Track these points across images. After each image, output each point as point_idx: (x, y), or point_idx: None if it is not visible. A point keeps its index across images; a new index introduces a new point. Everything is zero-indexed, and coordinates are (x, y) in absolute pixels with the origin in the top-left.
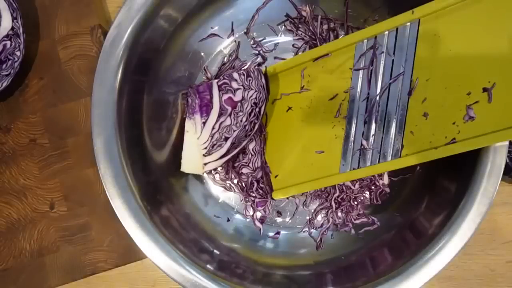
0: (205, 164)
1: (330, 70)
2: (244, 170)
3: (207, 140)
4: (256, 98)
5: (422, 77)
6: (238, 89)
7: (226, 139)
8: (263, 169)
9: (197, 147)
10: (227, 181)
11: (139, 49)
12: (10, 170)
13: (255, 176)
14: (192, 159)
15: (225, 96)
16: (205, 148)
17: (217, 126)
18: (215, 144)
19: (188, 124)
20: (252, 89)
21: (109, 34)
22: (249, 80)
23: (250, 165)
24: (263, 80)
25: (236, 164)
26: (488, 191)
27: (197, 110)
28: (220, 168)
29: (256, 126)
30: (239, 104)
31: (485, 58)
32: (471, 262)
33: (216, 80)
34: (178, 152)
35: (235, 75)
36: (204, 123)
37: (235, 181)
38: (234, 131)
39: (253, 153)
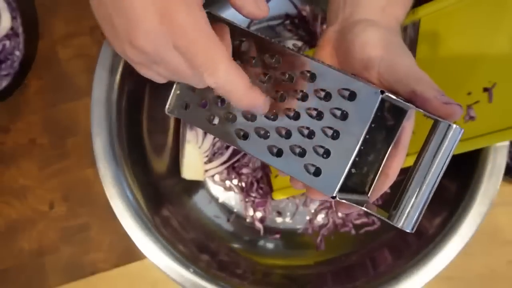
0: (206, 170)
1: None
2: (244, 170)
3: (209, 149)
4: None
5: None
6: None
7: (227, 147)
8: (263, 169)
9: (198, 155)
10: (227, 182)
11: None
12: (10, 170)
13: (255, 176)
14: (193, 166)
15: None
16: (207, 156)
17: None
18: (216, 152)
19: (189, 134)
20: None
21: None
22: None
23: (250, 165)
24: None
25: (236, 164)
26: (489, 191)
27: None
28: None
29: None
30: None
31: (486, 57)
32: (471, 262)
33: None
34: (177, 153)
35: None
36: (205, 133)
37: (235, 181)
38: None
39: None
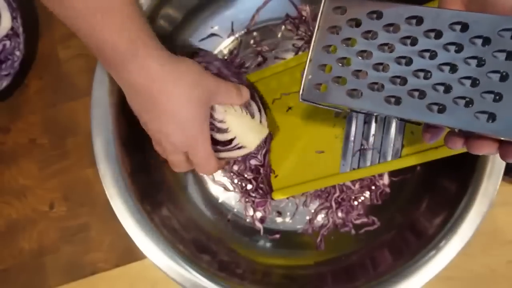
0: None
1: None
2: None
3: None
4: None
5: None
6: None
7: None
8: (263, 169)
9: (248, 121)
10: (227, 182)
11: None
12: (10, 170)
13: (255, 176)
14: (253, 130)
15: None
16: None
17: None
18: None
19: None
20: None
21: None
22: None
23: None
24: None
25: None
26: (488, 191)
27: None
28: None
29: None
30: None
31: None
32: (471, 262)
33: None
34: None
35: None
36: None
37: (235, 181)
38: None
39: None
